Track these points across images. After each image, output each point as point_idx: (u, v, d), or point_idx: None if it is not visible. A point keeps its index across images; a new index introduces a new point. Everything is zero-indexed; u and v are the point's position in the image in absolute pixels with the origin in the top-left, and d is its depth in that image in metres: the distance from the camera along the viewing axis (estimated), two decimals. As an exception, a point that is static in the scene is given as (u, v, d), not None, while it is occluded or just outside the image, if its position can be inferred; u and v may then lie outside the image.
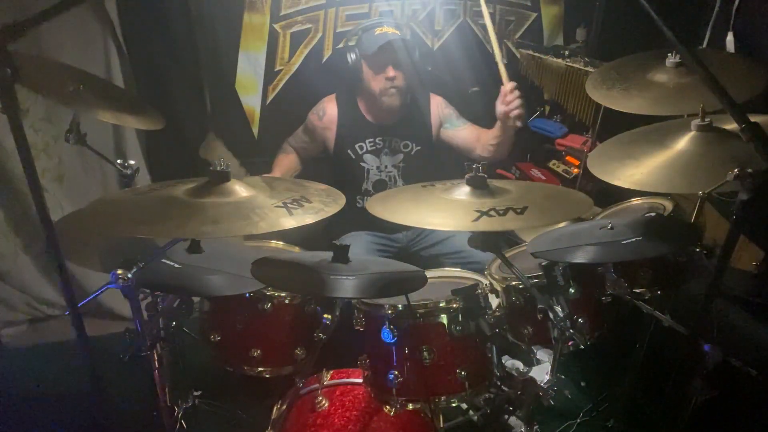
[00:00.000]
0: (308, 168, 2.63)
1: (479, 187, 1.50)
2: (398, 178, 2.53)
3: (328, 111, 2.50)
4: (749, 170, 1.08)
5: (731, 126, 1.36)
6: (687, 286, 1.71)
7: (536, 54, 3.01)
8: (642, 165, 1.41)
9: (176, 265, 1.58)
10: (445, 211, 1.47)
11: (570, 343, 1.57)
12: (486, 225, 1.35)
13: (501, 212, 1.38)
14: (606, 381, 2.21)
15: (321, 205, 1.45)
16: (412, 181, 2.51)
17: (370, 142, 2.48)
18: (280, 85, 2.86)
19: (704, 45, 2.61)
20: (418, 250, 2.55)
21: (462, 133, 2.55)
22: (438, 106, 2.56)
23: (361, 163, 2.49)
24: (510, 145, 2.41)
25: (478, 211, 1.38)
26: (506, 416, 1.74)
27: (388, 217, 1.44)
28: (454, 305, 1.54)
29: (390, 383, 1.54)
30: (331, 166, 2.58)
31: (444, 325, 1.54)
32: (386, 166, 2.51)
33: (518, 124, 2.25)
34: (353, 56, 2.39)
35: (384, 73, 2.33)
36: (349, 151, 2.48)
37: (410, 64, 2.37)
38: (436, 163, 2.60)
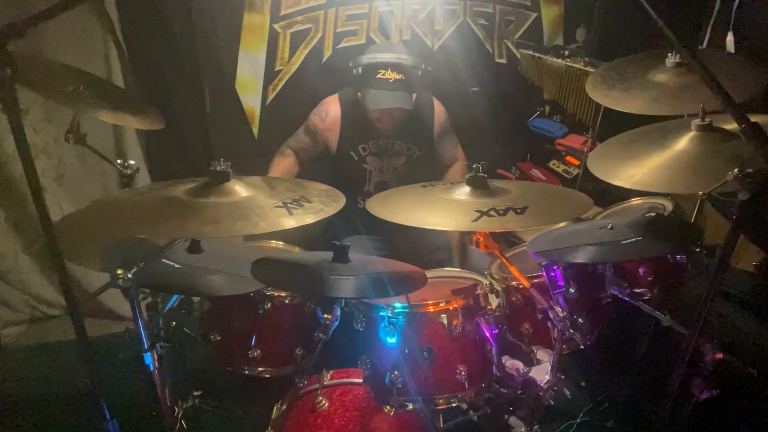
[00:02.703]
0: (308, 169, 2.63)
1: (479, 187, 1.50)
2: (399, 181, 2.52)
3: (331, 112, 2.47)
4: (749, 170, 1.08)
5: (731, 126, 1.36)
6: (687, 286, 1.71)
7: (536, 54, 3.01)
8: (642, 165, 1.41)
9: (176, 265, 1.58)
10: (445, 211, 1.47)
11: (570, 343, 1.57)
12: (486, 225, 1.35)
13: (501, 212, 1.37)
14: (606, 381, 2.21)
15: (321, 205, 1.45)
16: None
17: (373, 144, 2.46)
18: (280, 85, 2.86)
19: (704, 45, 2.61)
20: (420, 254, 2.54)
21: (446, 152, 2.62)
22: (440, 114, 2.55)
23: (364, 165, 2.49)
24: None
25: (478, 211, 1.38)
26: (506, 416, 1.74)
27: (388, 217, 1.44)
28: (454, 305, 1.54)
29: (390, 383, 1.54)
30: (332, 167, 2.57)
31: (444, 325, 1.54)
32: (388, 169, 2.50)
33: None
34: (355, 72, 2.35)
35: (378, 113, 2.35)
36: (352, 153, 2.47)
37: (410, 98, 2.33)
38: (437, 168, 2.60)
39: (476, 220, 1.35)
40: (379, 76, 2.27)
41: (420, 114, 2.50)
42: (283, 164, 2.57)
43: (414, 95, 2.43)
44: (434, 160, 2.59)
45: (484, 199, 1.46)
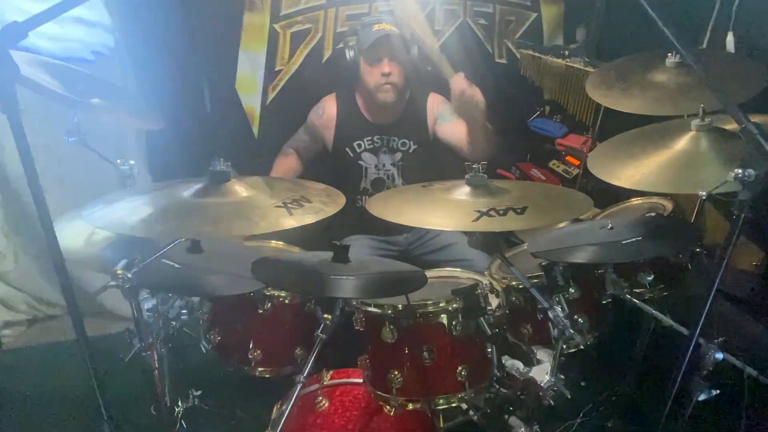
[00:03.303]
0: (307, 168, 2.63)
1: (479, 186, 1.50)
2: (397, 177, 2.52)
3: (327, 109, 2.51)
4: (749, 170, 1.08)
5: (731, 126, 1.36)
6: (687, 286, 1.71)
7: (536, 54, 3.01)
8: (642, 165, 1.41)
9: (176, 265, 1.58)
10: (445, 211, 1.47)
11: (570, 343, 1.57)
12: (486, 225, 1.35)
13: (501, 212, 1.37)
14: (606, 381, 2.21)
15: (321, 205, 1.45)
16: (411, 180, 2.51)
17: (368, 141, 2.48)
18: (280, 85, 2.86)
19: (704, 45, 2.61)
20: (419, 255, 2.54)
21: (452, 128, 2.46)
22: (434, 104, 2.54)
23: (359, 162, 2.50)
24: (485, 139, 2.29)
25: (478, 211, 1.38)
26: (506, 416, 1.74)
27: (388, 217, 1.44)
28: (454, 305, 1.54)
29: (390, 383, 1.54)
30: (330, 165, 2.58)
31: (444, 325, 1.54)
32: (384, 165, 2.51)
33: (480, 107, 2.17)
34: (352, 53, 2.41)
35: (379, 68, 2.32)
36: (347, 149, 2.49)
37: (407, 60, 2.36)
38: (435, 162, 2.60)
39: (476, 220, 1.35)
40: (375, 29, 2.31)
41: (414, 109, 2.51)
42: (286, 164, 2.58)
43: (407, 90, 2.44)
44: (432, 156, 2.58)
45: (484, 199, 1.46)
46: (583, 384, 2.25)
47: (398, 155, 2.51)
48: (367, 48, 2.31)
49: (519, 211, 1.38)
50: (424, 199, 1.59)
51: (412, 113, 2.51)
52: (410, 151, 2.51)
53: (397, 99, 2.40)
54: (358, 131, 2.48)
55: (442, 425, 1.72)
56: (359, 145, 2.48)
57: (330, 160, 2.55)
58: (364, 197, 2.52)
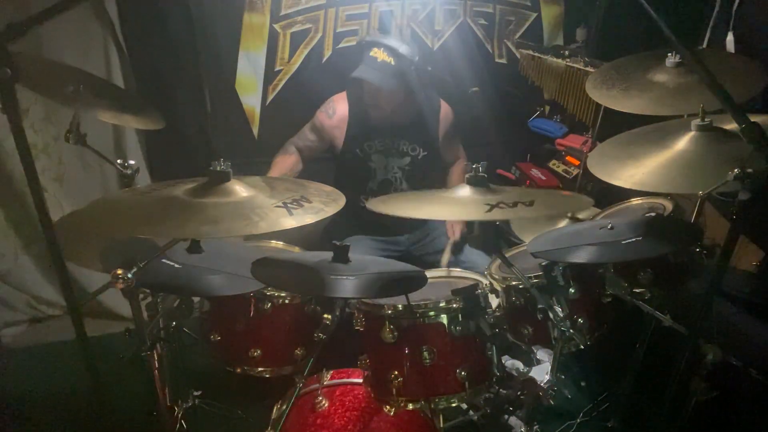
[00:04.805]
0: (310, 167, 2.63)
1: (481, 186, 1.50)
2: (403, 180, 2.51)
3: (338, 110, 2.46)
4: (749, 170, 1.08)
5: (731, 126, 1.36)
6: (687, 286, 1.71)
7: (536, 54, 3.01)
8: (642, 165, 1.41)
9: (176, 265, 1.58)
10: (455, 206, 1.47)
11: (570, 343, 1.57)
12: (499, 215, 1.34)
13: (510, 205, 1.38)
14: (606, 381, 2.21)
15: (321, 205, 1.45)
16: (416, 185, 2.51)
17: (379, 142, 2.46)
18: (280, 85, 2.87)
19: (704, 45, 2.61)
20: (420, 255, 2.54)
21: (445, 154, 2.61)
22: (446, 115, 2.55)
23: (369, 163, 2.48)
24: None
25: (488, 204, 1.38)
26: (506, 416, 1.74)
27: (398, 212, 1.43)
28: (454, 305, 1.54)
29: (390, 383, 1.54)
30: (334, 165, 2.57)
31: (444, 325, 1.54)
32: (393, 167, 2.50)
33: None
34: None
35: (368, 90, 2.34)
36: (357, 150, 2.46)
37: (403, 84, 2.31)
38: (440, 171, 2.60)
39: (489, 211, 1.35)
40: (371, 53, 2.28)
41: (426, 115, 2.50)
42: (286, 162, 2.54)
43: (419, 94, 2.44)
44: (438, 163, 2.58)
45: (490, 195, 1.47)
46: (583, 384, 2.26)
47: (407, 159, 2.49)
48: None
49: (528, 204, 1.38)
50: (431, 198, 1.59)
51: (425, 120, 2.50)
52: (419, 157, 2.50)
53: (381, 119, 2.41)
54: (371, 132, 2.45)
55: (442, 425, 1.72)
56: (370, 146, 2.46)
57: (338, 160, 2.53)
58: (369, 198, 2.51)
